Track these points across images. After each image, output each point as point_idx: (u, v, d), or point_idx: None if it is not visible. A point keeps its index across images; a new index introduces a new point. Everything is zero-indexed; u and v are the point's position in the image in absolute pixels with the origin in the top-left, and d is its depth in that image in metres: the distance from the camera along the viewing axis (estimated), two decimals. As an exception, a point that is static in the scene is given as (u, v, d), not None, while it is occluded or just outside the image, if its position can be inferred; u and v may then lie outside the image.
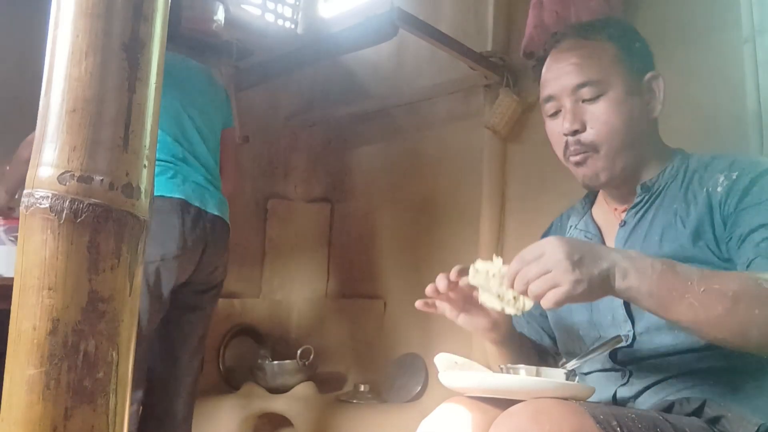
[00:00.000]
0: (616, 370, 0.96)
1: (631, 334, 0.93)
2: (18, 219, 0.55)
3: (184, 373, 1.79)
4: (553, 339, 1.13)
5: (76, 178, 0.51)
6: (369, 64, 2.67)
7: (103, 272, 0.51)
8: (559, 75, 1.00)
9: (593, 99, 0.97)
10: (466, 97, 2.32)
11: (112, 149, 0.52)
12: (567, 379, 0.86)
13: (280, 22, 2.86)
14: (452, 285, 0.94)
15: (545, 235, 1.19)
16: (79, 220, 0.50)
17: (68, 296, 0.50)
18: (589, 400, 0.84)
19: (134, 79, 0.53)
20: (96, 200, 0.51)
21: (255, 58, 2.50)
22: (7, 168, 1.61)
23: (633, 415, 0.74)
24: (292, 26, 2.91)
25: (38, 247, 0.50)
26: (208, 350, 2.32)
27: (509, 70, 2.12)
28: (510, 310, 0.84)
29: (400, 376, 2.29)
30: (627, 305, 0.95)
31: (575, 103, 0.99)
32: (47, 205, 0.50)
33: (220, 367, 2.47)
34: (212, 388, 2.35)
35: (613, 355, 0.95)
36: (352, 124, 2.76)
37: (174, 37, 1.91)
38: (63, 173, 0.51)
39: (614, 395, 0.94)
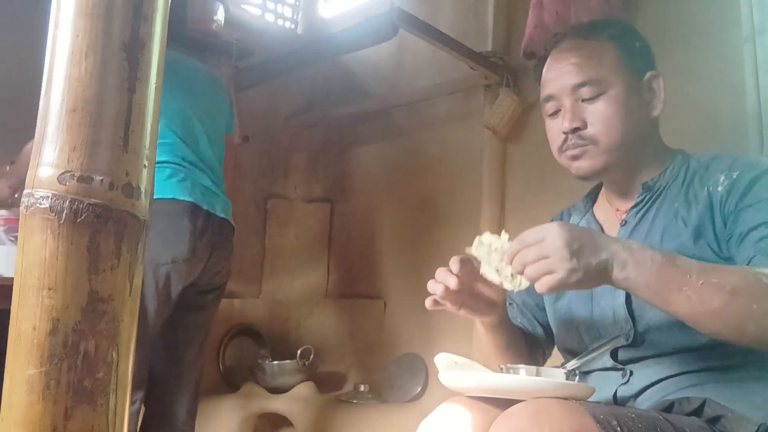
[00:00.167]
0: (616, 370, 0.96)
1: (632, 333, 0.93)
2: (18, 218, 0.55)
3: (186, 372, 1.79)
4: (546, 329, 1.14)
5: (76, 178, 0.51)
6: (369, 64, 2.67)
7: (103, 272, 0.51)
8: (559, 75, 1.00)
9: (593, 98, 0.98)
10: (466, 97, 2.32)
11: (112, 149, 0.52)
12: (567, 378, 0.86)
13: (280, 22, 2.86)
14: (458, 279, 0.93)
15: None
16: (79, 220, 0.50)
17: (68, 296, 0.50)
18: (590, 399, 0.84)
19: (134, 79, 0.53)
20: (96, 200, 0.51)
21: (255, 58, 2.50)
22: (12, 163, 1.60)
23: (633, 415, 0.74)
24: (292, 26, 2.90)
25: (38, 247, 0.50)
26: (208, 350, 2.31)
27: (509, 70, 2.12)
28: (507, 286, 0.85)
29: (400, 376, 2.28)
30: (628, 304, 0.95)
31: (575, 103, 0.99)
32: (47, 205, 0.50)
33: (220, 367, 2.47)
34: (212, 388, 2.35)
35: (613, 355, 0.95)
36: (352, 124, 2.76)
37: (180, 37, 1.90)
38: (63, 173, 0.51)
39: (615, 395, 0.94)
